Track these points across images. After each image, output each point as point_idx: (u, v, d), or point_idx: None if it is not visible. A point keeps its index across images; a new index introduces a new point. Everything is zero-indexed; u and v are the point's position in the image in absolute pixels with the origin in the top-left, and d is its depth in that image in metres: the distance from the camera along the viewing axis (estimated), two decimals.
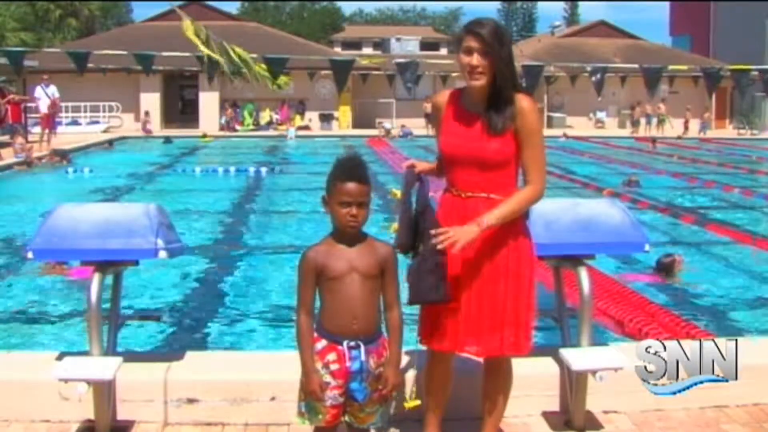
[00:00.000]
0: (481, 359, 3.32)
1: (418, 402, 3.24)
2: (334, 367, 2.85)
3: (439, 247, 2.92)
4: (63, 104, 25.11)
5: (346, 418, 2.96)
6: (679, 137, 30.40)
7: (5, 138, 19.38)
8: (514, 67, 3.09)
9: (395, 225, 3.05)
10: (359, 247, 2.88)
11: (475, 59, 3.00)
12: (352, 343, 2.84)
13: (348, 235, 2.87)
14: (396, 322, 2.95)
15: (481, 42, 2.98)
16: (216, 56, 10.54)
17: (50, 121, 21.85)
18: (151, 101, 32.52)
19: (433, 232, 2.96)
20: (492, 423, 3.31)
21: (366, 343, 2.86)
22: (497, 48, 2.99)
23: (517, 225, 3.14)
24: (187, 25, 10.22)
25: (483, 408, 3.32)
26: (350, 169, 2.87)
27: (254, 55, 12.30)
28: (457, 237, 2.92)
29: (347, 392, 2.88)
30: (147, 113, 31.29)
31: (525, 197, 3.09)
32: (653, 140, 27.09)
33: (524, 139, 3.07)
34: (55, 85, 22.19)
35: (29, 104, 23.30)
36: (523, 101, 3.07)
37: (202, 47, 10.38)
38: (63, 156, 18.27)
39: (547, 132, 27.23)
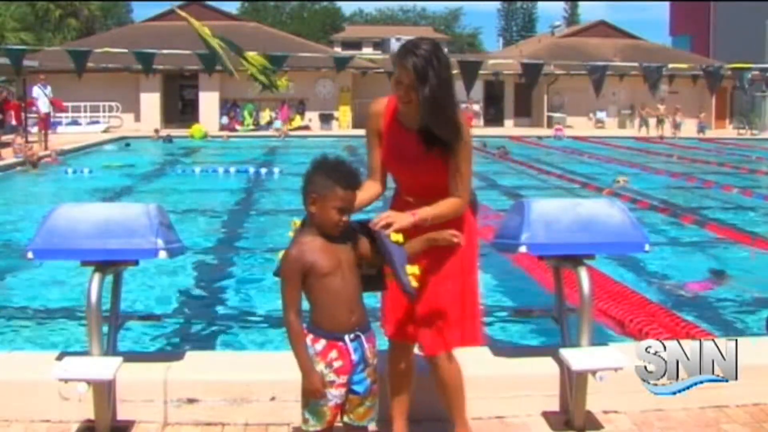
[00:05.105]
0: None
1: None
2: (337, 364, 2.83)
3: (377, 227, 2.92)
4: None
5: (346, 418, 2.94)
6: (675, 134, 30.53)
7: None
8: (450, 88, 3.06)
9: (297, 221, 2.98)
10: (341, 237, 2.86)
11: (403, 92, 3.06)
12: (353, 336, 2.84)
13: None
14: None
15: (408, 77, 3.01)
16: (220, 50, 10.55)
17: (48, 121, 21.84)
18: (151, 101, 32.52)
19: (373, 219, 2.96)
20: (458, 417, 3.29)
21: (363, 332, 2.87)
22: (422, 83, 2.99)
23: (464, 223, 3.23)
24: (192, 21, 10.26)
25: (443, 405, 3.31)
26: (350, 176, 2.86)
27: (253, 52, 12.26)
28: (392, 219, 2.96)
29: (348, 388, 2.87)
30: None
31: (453, 206, 3.14)
32: (661, 138, 27.50)
33: (455, 156, 3.12)
34: (55, 85, 22.18)
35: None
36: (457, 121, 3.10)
37: (208, 38, 10.39)
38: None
39: (546, 132, 27.50)
